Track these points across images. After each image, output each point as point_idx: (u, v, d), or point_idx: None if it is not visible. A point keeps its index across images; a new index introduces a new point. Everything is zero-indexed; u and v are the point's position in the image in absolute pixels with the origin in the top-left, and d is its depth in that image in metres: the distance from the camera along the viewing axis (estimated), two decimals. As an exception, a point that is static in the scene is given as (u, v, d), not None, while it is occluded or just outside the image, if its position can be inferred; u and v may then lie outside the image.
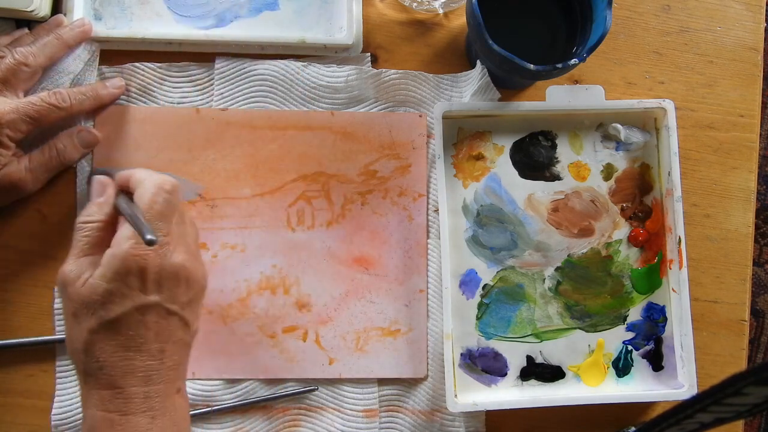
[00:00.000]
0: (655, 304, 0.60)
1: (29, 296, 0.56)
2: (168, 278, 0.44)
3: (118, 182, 0.49)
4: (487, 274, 0.59)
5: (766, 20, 0.64)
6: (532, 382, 0.58)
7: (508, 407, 0.55)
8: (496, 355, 0.58)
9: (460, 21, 0.62)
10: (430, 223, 0.59)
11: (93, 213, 0.46)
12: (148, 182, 0.46)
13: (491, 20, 0.51)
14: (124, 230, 0.44)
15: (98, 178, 0.49)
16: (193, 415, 0.55)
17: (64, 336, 0.55)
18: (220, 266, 0.57)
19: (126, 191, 0.48)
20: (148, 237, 0.40)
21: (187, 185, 0.56)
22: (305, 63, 0.59)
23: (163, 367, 0.43)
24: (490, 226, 0.59)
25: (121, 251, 0.42)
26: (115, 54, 0.58)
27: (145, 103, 0.58)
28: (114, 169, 0.50)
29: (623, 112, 0.60)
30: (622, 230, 0.60)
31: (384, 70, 0.59)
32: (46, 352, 0.56)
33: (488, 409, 0.55)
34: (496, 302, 0.59)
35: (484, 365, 0.58)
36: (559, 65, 0.51)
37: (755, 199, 0.62)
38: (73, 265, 0.44)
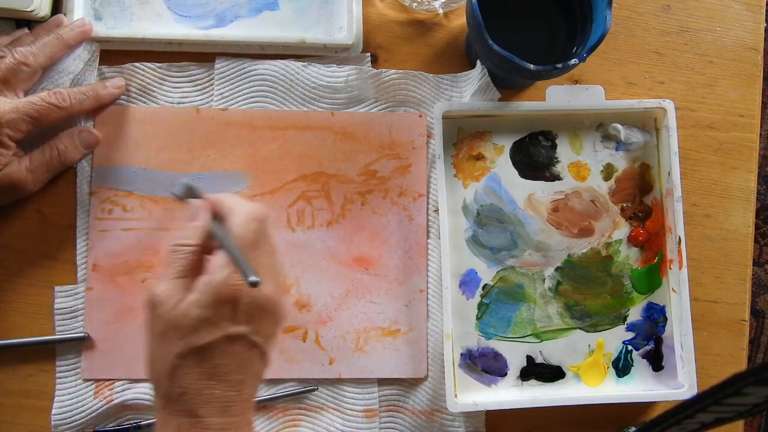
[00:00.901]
0: (655, 304, 0.60)
1: (29, 296, 0.56)
2: (258, 310, 0.43)
3: (211, 206, 0.48)
4: (487, 274, 0.59)
5: (766, 20, 0.64)
6: (532, 382, 0.58)
7: (508, 407, 0.55)
8: (496, 355, 0.58)
9: (460, 21, 0.62)
10: (430, 223, 0.59)
11: (189, 237, 0.45)
12: (240, 210, 0.45)
13: (491, 20, 0.51)
14: (220, 258, 0.43)
15: (194, 203, 0.48)
16: (193, 415, 0.55)
17: (64, 336, 0.55)
18: (220, 266, 0.57)
19: (215, 215, 0.48)
20: (252, 279, 0.39)
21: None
22: (305, 63, 0.59)
23: (240, 398, 0.43)
24: (490, 226, 0.59)
25: (217, 280, 0.42)
26: (115, 54, 0.58)
27: (145, 103, 0.58)
28: (197, 188, 0.50)
29: (623, 112, 0.60)
30: (622, 230, 0.60)
31: (384, 70, 0.59)
32: (46, 352, 0.56)
33: (488, 409, 0.55)
34: (496, 302, 0.59)
35: (484, 365, 0.58)
36: (559, 65, 0.51)
37: (755, 199, 0.62)
38: (165, 286, 0.43)
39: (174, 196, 0.50)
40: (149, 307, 0.44)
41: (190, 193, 0.49)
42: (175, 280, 0.44)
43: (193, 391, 0.42)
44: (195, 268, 0.45)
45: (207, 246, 0.46)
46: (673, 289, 0.59)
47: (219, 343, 0.42)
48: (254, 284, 0.39)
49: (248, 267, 0.41)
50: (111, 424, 0.55)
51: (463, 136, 0.60)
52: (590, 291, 0.60)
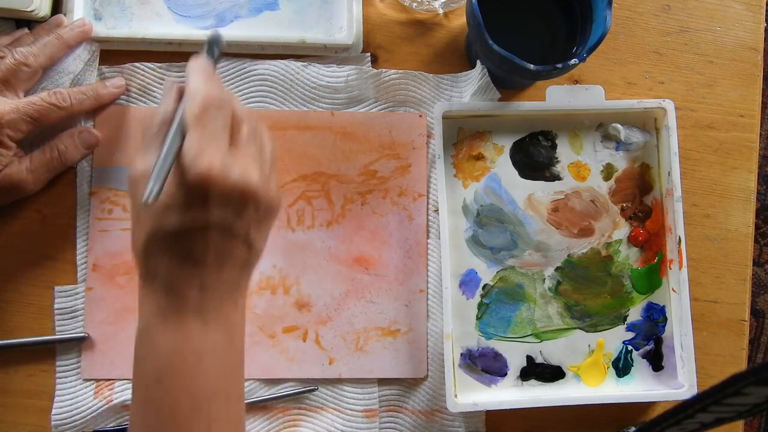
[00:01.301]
0: (655, 304, 0.60)
1: (29, 296, 0.56)
2: (236, 199, 0.41)
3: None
4: (487, 274, 0.59)
5: (766, 20, 0.64)
6: (532, 382, 0.58)
7: (508, 407, 0.55)
8: (496, 355, 0.58)
9: (460, 21, 0.62)
10: (430, 223, 0.59)
11: (158, 113, 0.43)
12: (193, 95, 0.41)
13: (491, 20, 0.51)
14: (187, 141, 0.40)
15: (168, 81, 0.45)
16: (193, 415, 0.55)
17: (64, 336, 0.55)
18: (220, 266, 0.57)
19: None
20: (145, 196, 0.37)
21: None
22: (305, 63, 0.59)
23: (221, 279, 0.42)
24: (490, 226, 0.59)
25: (185, 163, 0.39)
26: (115, 54, 0.58)
27: (145, 103, 0.58)
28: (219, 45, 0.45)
29: (623, 112, 0.60)
30: (622, 230, 0.60)
31: (384, 70, 0.59)
32: (46, 352, 0.56)
33: (488, 409, 0.55)
34: (496, 302, 0.59)
35: (484, 365, 0.58)
36: (559, 65, 0.51)
37: (755, 199, 0.62)
38: (142, 164, 0.41)
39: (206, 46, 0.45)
40: (130, 186, 0.42)
41: (213, 48, 0.45)
42: (150, 156, 0.41)
43: (167, 268, 0.41)
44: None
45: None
46: (673, 289, 0.59)
47: (188, 227, 0.40)
48: (146, 200, 0.37)
49: (160, 175, 0.38)
50: (111, 424, 0.55)
51: (463, 136, 0.60)
52: (590, 291, 0.60)
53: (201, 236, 0.41)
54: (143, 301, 0.42)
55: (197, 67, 0.43)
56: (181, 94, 0.43)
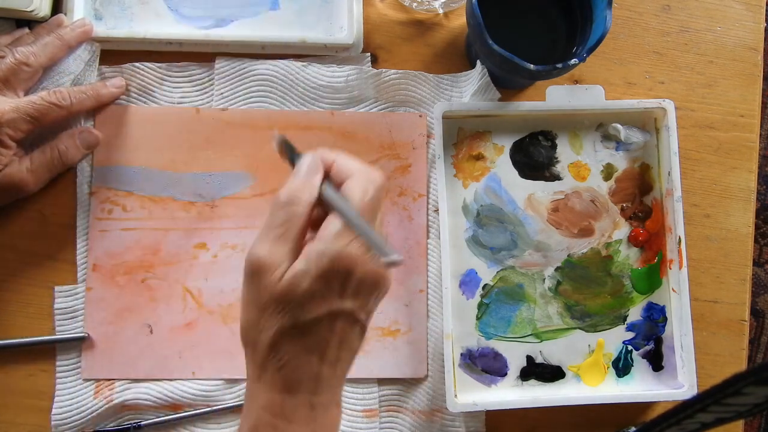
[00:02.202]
0: (655, 304, 0.60)
1: (29, 296, 0.56)
2: (368, 285, 0.40)
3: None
4: (487, 274, 0.59)
5: (766, 20, 0.64)
6: (532, 382, 0.58)
7: (508, 407, 0.55)
8: (496, 355, 0.58)
9: (460, 21, 0.62)
10: (430, 223, 0.59)
11: (300, 194, 0.39)
12: (359, 176, 0.40)
13: (491, 20, 0.51)
14: (334, 224, 0.38)
15: (309, 157, 0.42)
16: (193, 415, 0.55)
17: (64, 336, 0.55)
18: (220, 266, 0.57)
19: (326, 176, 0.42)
20: (394, 258, 0.35)
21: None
22: (305, 63, 0.59)
23: (334, 376, 0.40)
24: (490, 226, 0.59)
25: (332, 251, 0.38)
26: (116, 54, 0.58)
27: (145, 103, 0.58)
28: (293, 144, 0.44)
29: (623, 112, 0.60)
30: (622, 230, 0.60)
31: (384, 70, 0.59)
32: (46, 352, 0.56)
33: (488, 409, 0.55)
34: (496, 302, 0.59)
35: (484, 365, 0.58)
36: (559, 65, 0.51)
37: (755, 199, 0.62)
38: (269, 250, 0.38)
39: (277, 149, 0.44)
40: (250, 273, 0.39)
41: (287, 147, 0.43)
42: (282, 244, 0.39)
43: (292, 365, 0.39)
44: (303, 230, 0.40)
45: (314, 206, 0.41)
46: (673, 289, 0.59)
47: (323, 318, 0.39)
48: (394, 264, 0.35)
49: (383, 242, 0.36)
50: (111, 424, 0.55)
51: (463, 136, 0.60)
52: (590, 291, 0.60)
53: (330, 326, 0.39)
54: (254, 400, 0.40)
55: (341, 154, 0.42)
56: (324, 173, 0.41)
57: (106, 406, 0.55)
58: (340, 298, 0.39)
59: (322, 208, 0.41)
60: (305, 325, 0.39)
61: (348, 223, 0.38)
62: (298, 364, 0.39)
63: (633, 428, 0.58)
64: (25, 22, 0.57)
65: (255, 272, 0.39)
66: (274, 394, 0.39)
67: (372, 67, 0.60)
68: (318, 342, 0.39)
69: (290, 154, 0.43)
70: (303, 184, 0.40)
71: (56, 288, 0.56)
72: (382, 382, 0.57)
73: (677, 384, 0.58)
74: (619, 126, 0.60)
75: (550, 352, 0.59)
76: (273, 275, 0.38)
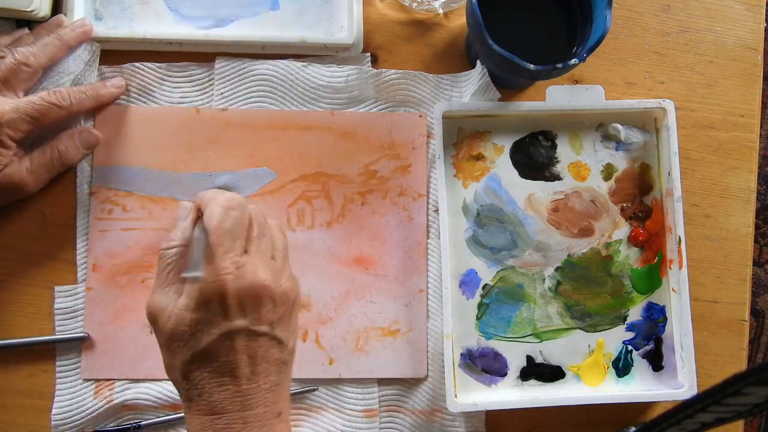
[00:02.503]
0: (655, 304, 0.60)
1: (29, 296, 0.56)
2: (250, 299, 0.43)
3: (197, 205, 0.48)
4: (487, 274, 0.59)
5: (766, 20, 0.64)
6: (532, 382, 0.58)
7: (508, 407, 0.55)
8: (496, 355, 0.58)
9: (460, 21, 0.62)
10: (430, 223, 0.59)
11: (174, 239, 0.46)
12: (213, 203, 0.45)
13: (491, 20, 0.51)
14: (197, 257, 0.44)
15: (183, 204, 0.48)
16: (193, 415, 0.55)
17: (64, 336, 0.56)
18: (220, 266, 0.57)
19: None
20: (187, 275, 0.40)
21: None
22: (305, 63, 0.59)
23: (260, 390, 0.42)
24: (490, 226, 0.59)
25: (204, 276, 0.42)
26: (116, 54, 0.58)
27: (145, 103, 0.58)
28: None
29: (623, 112, 0.60)
30: (622, 230, 0.60)
31: (384, 70, 0.59)
32: (46, 352, 0.56)
33: (488, 409, 0.55)
34: (496, 302, 0.59)
35: (484, 365, 0.58)
36: (559, 65, 0.51)
37: (755, 199, 0.62)
38: (159, 297, 0.44)
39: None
40: (150, 320, 0.44)
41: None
42: (167, 287, 0.44)
43: (208, 390, 0.42)
44: (181, 272, 0.45)
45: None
46: (673, 289, 0.59)
47: (219, 341, 0.42)
48: (195, 279, 0.39)
49: (194, 261, 0.40)
50: (111, 424, 0.55)
51: (463, 136, 0.60)
52: (590, 291, 0.60)
53: (229, 345, 0.42)
54: (190, 422, 0.43)
55: (208, 191, 0.48)
56: (197, 216, 0.47)
57: (106, 406, 0.55)
58: (226, 318, 0.42)
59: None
60: (204, 352, 0.42)
61: (199, 250, 0.43)
62: (213, 388, 0.42)
63: (633, 428, 0.58)
64: (25, 22, 0.57)
65: (152, 319, 0.44)
66: (203, 417, 0.42)
67: (372, 67, 0.60)
68: (225, 363, 0.42)
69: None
70: (181, 229, 0.46)
71: (56, 288, 0.56)
72: (382, 382, 0.57)
73: (677, 384, 0.58)
74: (619, 126, 0.60)
75: (550, 352, 0.59)
76: (163, 316, 0.43)
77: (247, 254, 0.44)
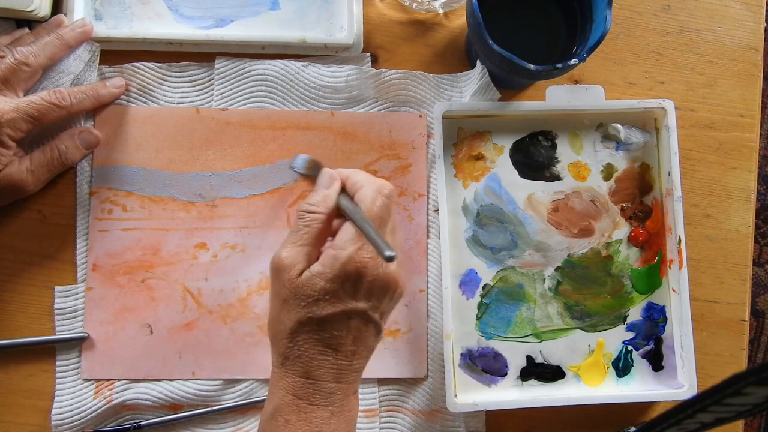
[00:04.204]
0: (655, 304, 0.60)
1: (29, 296, 0.56)
2: (380, 287, 0.44)
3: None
4: (487, 274, 0.59)
5: (766, 20, 0.64)
6: (532, 382, 0.58)
7: (508, 407, 0.55)
8: (496, 355, 0.58)
9: (460, 21, 0.62)
10: (430, 223, 0.59)
11: (318, 204, 0.46)
12: (368, 186, 0.46)
13: (491, 20, 0.51)
14: (347, 232, 0.44)
15: (328, 171, 0.49)
16: (193, 416, 0.55)
17: (64, 336, 0.55)
18: (220, 266, 0.57)
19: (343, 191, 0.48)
20: (387, 253, 0.39)
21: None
22: (305, 63, 0.59)
23: (351, 368, 0.45)
24: (490, 226, 0.59)
25: (344, 256, 0.43)
26: (116, 54, 0.58)
27: (145, 103, 0.58)
28: (319, 162, 0.51)
29: (623, 112, 0.60)
30: (622, 230, 0.60)
31: (384, 70, 0.59)
32: (46, 352, 0.56)
33: (488, 409, 0.55)
34: (496, 302, 0.59)
35: (484, 365, 0.58)
36: (559, 65, 0.51)
37: (755, 199, 0.62)
38: (290, 252, 0.44)
39: (294, 171, 0.51)
40: (273, 270, 0.45)
41: (313, 167, 0.51)
42: (301, 246, 0.45)
43: (309, 355, 0.43)
44: (320, 236, 0.46)
45: (332, 216, 0.47)
46: (673, 289, 0.59)
47: (338, 315, 0.43)
48: (390, 258, 0.39)
49: (384, 242, 0.40)
50: (111, 424, 0.55)
51: (463, 136, 0.60)
52: (590, 291, 0.60)
53: (345, 323, 0.44)
54: (278, 382, 0.45)
55: (355, 170, 0.49)
56: (341, 185, 0.48)
57: (106, 406, 0.55)
58: (353, 298, 0.44)
59: (342, 219, 0.46)
60: (320, 320, 0.43)
61: (357, 227, 0.43)
62: (315, 355, 0.43)
63: (633, 428, 0.58)
64: (25, 22, 0.57)
65: (276, 270, 0.45)
66: (296, 378, 0.44)
67: (372, 67, 0.60)
68: (333, 337, 0.44)
69: (315, 170, 0.50)
70: (322, 195, 0.47)
71: (56, 288, 0.56)
72: (382, 382, 0.57)
73: (677, 384, 0.58)
74: (619, 126, 0.60)
75: (550, 352, 0.59)
76: (291, 272, 0.44)
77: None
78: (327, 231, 0.47)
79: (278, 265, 0.45)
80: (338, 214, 0.47)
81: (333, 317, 0.43)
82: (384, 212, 0.45)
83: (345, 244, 0.44)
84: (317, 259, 0.45)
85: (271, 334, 0.46)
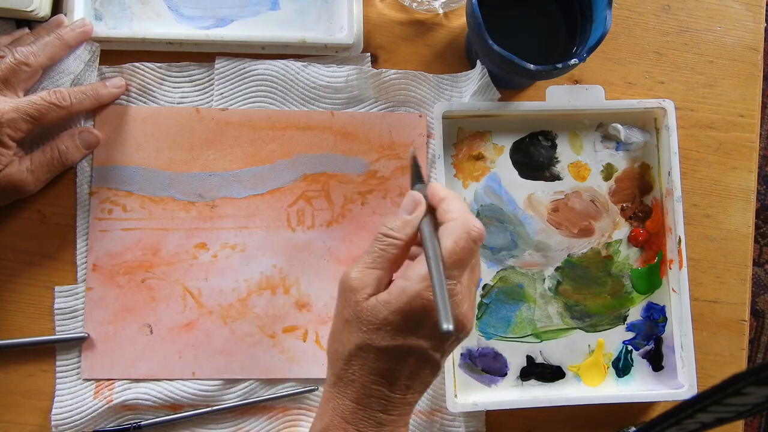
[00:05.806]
0: (655, 304, 0.60)
1: (29, 296, 0.56)
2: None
3: (429, 196, 0.47)
4: (487, 274, 0.59)
5: (766, 20, 0.64)
6: (532, 382, 0.58)
7: (508, 407, 0.55)
8: (496, 355, 0.58)
9: (460, 21, 0.62)
10: (430, 223, 0.59)
11: (398, 229, 0.44)
12: (457, 222, 0.43)
13: (491, 20, 0.51)
14: (421, 268, 0.42)
15: (413, 194, 0.47)
16: (193, 416, 0.55)
17: (64, 336, 0.55)
18: (220, 266, 0.57)
19: (432, 210, 0.46)
20: (445, 328, 0.37)
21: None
22: (305, 63, 0.59)
23: (404, 402, 0.43)
24: (490, 226, 0.59)
25: (413, 291, 0.41)
26: (116, 54, 0.58)
27: (145, 103, 0.58)
28: (420, 166, 0.50)
29: (623, 112, 0.60)
30: (622, 230, 0.60)
31: (384, 70, 0.59)
32: (46, 352, 0.56)
33: (488, 409, 0.55)
34: (496, 302, 0.59)
35: (484, 365, 0.58)
36: (559, 65, 0.51)
37: (755, 199, 0.62)
38: (361, 274, 0.43)
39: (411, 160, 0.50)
40: (342, 289, 0.44)
41: (414, 167, 0.49)
42: (373, 270, 0.43)
43: (363, 382, 0.42)
44: (396, 261, 0.44)
45: (410, 243, 0.45)
46: (673, 289, 0.59)
47: (396, 349, 0.42)
48: (446, 332, 0.37)
49: (447, 308, 0.38)
50: (111, 424, 0.55)
51: (463, 136, 0.60)
52: (590, 291, 0.60)
53: (403, 357, 0.42)
54: (329, 402, 0.44)
55: (453, 195, 0.46)
56: (426, 210, 0.45)
57: (106, 406, 0.55)
58: (415, 335, 0.42)
59: (422, 246, 0.44)
60: (379, 350, 0.42)
61: (432, 279, 0.40)
62: (368, 384, 0.42)
63: (633, 428, 0.58)
64: (25, 22, 0.57)
65: (344, 289, 0.44)
66: (347, 401, 0.43)
67: (372, 67, 0.60)
68: (389, 369, 0.42)
69: (414, 174, 0.49)
70: (402, 222, 0.45)
71: (56, 288, 0.56)
72: (382, 382, 0.57)
73: (677, 384, 0.58)
74: (619, 126, 0.60)
75: (550, 352, 0.59)
76: (358, 295, 0.43)
77: (460, 284, 0.43)
78: (404, 256, 0.45)
79: (347, 285, 0.43)
80: (419, 240, 0.45)
81: (391, 350, 0.42)
82: (466, 255, 0.42)
83: (416, 278, 0.42)
84: (388, 285, 0.43)
85: (329, 350, 0.45)
